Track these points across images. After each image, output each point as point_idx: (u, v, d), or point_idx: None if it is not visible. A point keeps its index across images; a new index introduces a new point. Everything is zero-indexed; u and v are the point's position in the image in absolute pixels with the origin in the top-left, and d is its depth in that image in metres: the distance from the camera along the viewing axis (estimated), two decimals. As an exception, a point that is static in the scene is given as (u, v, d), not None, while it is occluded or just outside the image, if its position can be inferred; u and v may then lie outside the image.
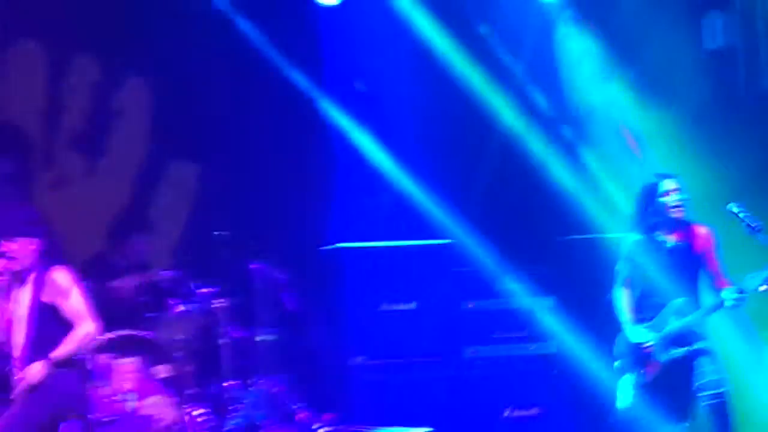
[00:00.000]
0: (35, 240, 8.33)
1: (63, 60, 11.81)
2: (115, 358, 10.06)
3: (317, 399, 10.84)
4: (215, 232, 10.99)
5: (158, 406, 10.06)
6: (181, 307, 10.64)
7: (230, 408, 10.46)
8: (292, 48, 11.86)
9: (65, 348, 7.88)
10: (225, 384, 10.54)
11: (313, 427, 10.44)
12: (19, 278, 8.37)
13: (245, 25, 11.78)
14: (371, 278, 11.34)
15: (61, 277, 8.36)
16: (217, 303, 10.60)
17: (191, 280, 10.72)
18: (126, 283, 11.03)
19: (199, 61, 11.66)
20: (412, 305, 11.30)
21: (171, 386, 10.17)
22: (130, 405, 9.97)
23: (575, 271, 11.28)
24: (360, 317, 11.26)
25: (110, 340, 10.04)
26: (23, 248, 8.32)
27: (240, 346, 10.68)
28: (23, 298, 8.31)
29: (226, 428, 10.34)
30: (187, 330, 10.64)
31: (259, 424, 10.41)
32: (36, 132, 11.83)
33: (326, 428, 10.40)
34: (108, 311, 10.20)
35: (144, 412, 10.01)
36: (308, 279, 11.21)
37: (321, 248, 11.58)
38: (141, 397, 10.04)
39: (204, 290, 10.62)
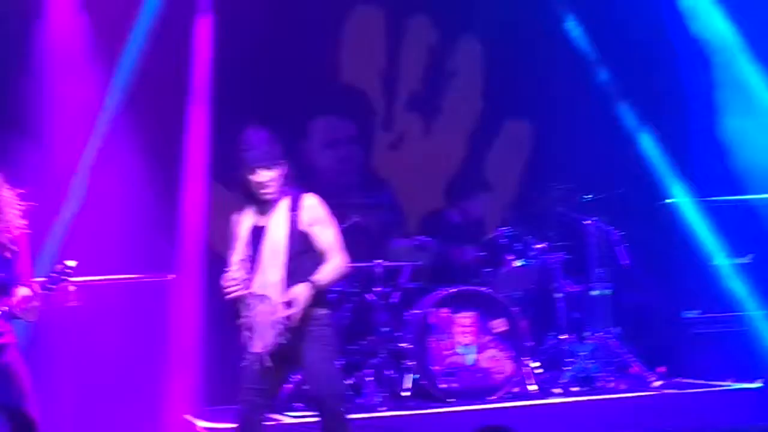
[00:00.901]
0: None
1: (400, 24, 12.00)
2: (454, 312, 10.25)
3: (650, 352, 10.81)
4: (550, 188, 11.09)
5: (496, 359, 10.25)
6: (517, 263, 10.71)
7: (565, 361, 10.56)
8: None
9: (325, 276, 7.52)
10: (560, 337, 10.69)
11: (649, 379, 10.35)
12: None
13: None
14: (704, 232, 11.19)
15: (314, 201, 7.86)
16: (552, 258, 10.70)
17: (526, 236, 10.75)
18: (463, 240, 11.08)
19: (527, 22, 11.79)
20: (747, 259, 11.16)
21: (508, 340, 10.26)
22: (470, 358, 10.21)
23: None
24: (693, 271, 11.15)
25: (450, 295, 10.27)
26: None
27: (574, 301, 10.80)
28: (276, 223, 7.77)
29: (562, 380, 10.36)
30: (523, 285, 10.78)
31: (594, 377, 10.42)
32: (376, 95, 12.07)
33: (660, 381, 10.32)
34: (448, 267, 10.92)
35: (482, 364, 10.21)
36: (640, 234, 11.05)
37: (654, 203, 11.48)
38: (479, 351, 10.23)
39: (539, 246, 10.70)
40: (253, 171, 7.49)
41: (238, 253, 7.48)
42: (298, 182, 9.98)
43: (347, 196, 11.43)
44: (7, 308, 7.25)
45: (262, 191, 7.48)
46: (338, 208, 10.88)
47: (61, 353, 9.15)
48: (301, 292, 7.20)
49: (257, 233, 7.48)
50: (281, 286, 7.27)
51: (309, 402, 7.84)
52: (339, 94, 11.97)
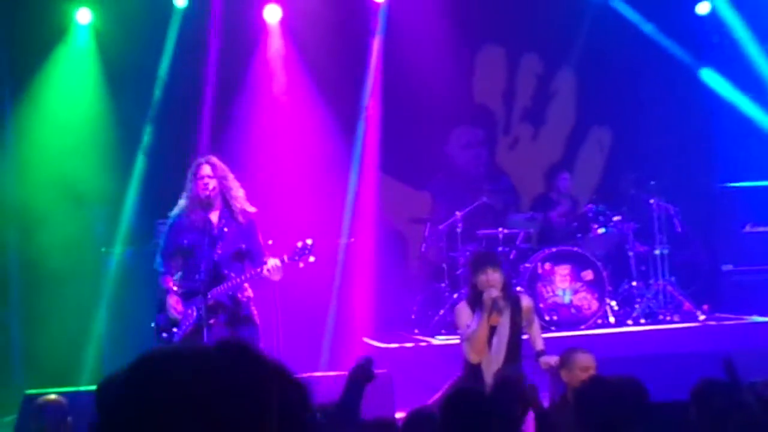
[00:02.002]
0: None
1: (516, 59, 12.01)
2: (555, 265, 10.23)
3: (697, 295, 10.73)
4: (625, 175, 11.07)
5: (586, 299, 10.19)
6: (601, 230, 10.58)
7: (636, 300, 10.52)
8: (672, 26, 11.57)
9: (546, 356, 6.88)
10: (632, 284, 10.64)
11: (696, 314, 10.28)
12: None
13: (634, 17, 11.51)
14: (738, 208, 11.10)
15: (528, 302, 7.26)
16: (626, 227, 10.60)
17: (607, 210, 10.62)
18: (560, 213, 11.04)
19: (608, 52, 11.64)
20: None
21: (594, 285, 10.18)
22: (566, 298, 10.21)
23: None
24: (729, 236, 11.07)
25: (552, 253, 10.26)
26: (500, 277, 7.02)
27: (642, 257, 10.72)
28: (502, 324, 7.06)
29: (634, 314, 10.32)
30: (605, 246, 10.72)
31: (656, 312, 10.38)
32: (498, 109, 12.06)
33: (704, 316, 10.27)
34: (550, 233, 10.95)
35: (575, 303, 10.19)
36: (691, 208, 10.94)
37: (710, 186, 11.43)
38: (573, 293, 10.21)
39: (616, 218, 10.58)
40: (483, 271, 6.88)
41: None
42: (444, 174, 10.01)
43: (478, 183, 11.61)
44: (258, 271, 7.33)
45: (494, 300, 6.78)
46: (472, 192, 11.19)
47: (282, 300, 9.34)
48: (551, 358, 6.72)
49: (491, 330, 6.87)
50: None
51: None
52: (472, 109, 11.99)
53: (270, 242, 7.59)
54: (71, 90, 10.61)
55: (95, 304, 9.91)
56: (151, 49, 10.65)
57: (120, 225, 10.44)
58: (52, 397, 6.06)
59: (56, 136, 10.42)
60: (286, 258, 7.29)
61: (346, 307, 10.41)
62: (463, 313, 6.96)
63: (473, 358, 6.83)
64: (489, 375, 6.72)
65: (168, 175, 9.30)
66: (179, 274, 7.54)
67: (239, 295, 7.49)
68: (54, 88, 10.55)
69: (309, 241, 7.32)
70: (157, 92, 10.62)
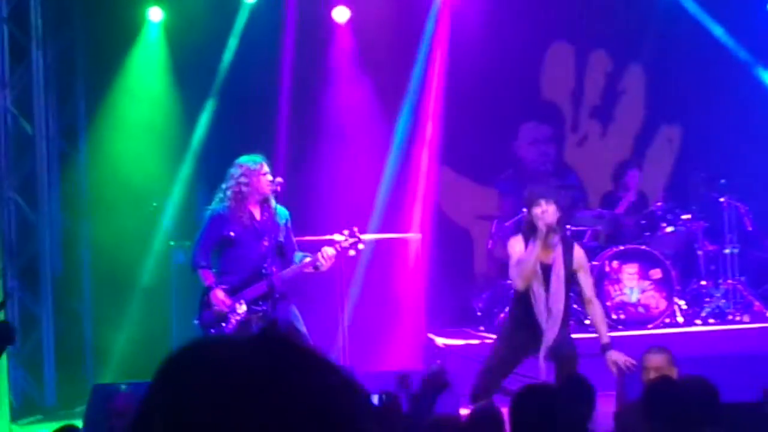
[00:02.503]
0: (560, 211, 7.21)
1: (585, 56, 11.89)
2: (623, 263, 10.15)
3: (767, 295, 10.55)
4: (695, 174, 10.90)
5: (653, 298, 10.10)
6: (669, 228, 10.41)
7: (704, 300, 10.41)
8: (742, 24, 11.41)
9: (606, 332, 7.24)
10: (701, 283, 10.51)
11: (767, 314, 10.12)
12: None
13: (699, 14, 11.35)
14: None
15: (581, 253, 7.39)
16: (695, 225, 10.46)
17: (676, 208, 10.50)
18: (628, 210, 10.80)
19: (678, 49, 11.51)
20: None
21: (662, 284, 10.08)
22: (634, 296, 10.12)
23: None
24: None
25: (620, 251, 10.18)
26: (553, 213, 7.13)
27: (711, 256, 10.59)
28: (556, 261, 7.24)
29: (702, 314, 10.24)
30: (674, 245, 10.56)
31: (725, 312, 10.27)
32: (567, 106, 11.97)
33: None
34: (618, 231, 10.74)
35: (643, 302, 10.10)
36: (762, 207, 10.74)
37: None
38: (641, 291, 10.12)
39: (686, 216, 10.44)
40: (537, 203, 7.03)
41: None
42: (511, 171, 10.01)
43: (546, 179, 11.53)
44: (312, 260, 7.49)
45: (548, 226, 6.95)
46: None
47: (342, 293, 9.40)
48: (618, 356, 6.89)
49: (544, 268, 7.02)
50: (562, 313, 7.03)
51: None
52: (541, 106, 11.94)
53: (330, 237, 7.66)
54: (143, 90, 10.76)
55: (164, 298, 10.02)
56: (220, 46, 10.76)
57: (188, 220, 10.54)
58: (123, 387, 6.13)
59: (128, 136, 10.59)
60: (338, 246, 7.41)
61: (411, 303, 10.37)
62: (517, 244, 7.15)
63: (520, 284, 7.03)
64: (549, 315, 6.95)
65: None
66: (214, 270, 7.59)
67: (280, 287, 7.59)
68: (127, 88, 10.71)
69: (356, 229, 7.45)
70: (221, 85, 10.69)
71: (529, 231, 7.11)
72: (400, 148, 11.17)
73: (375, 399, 4.73)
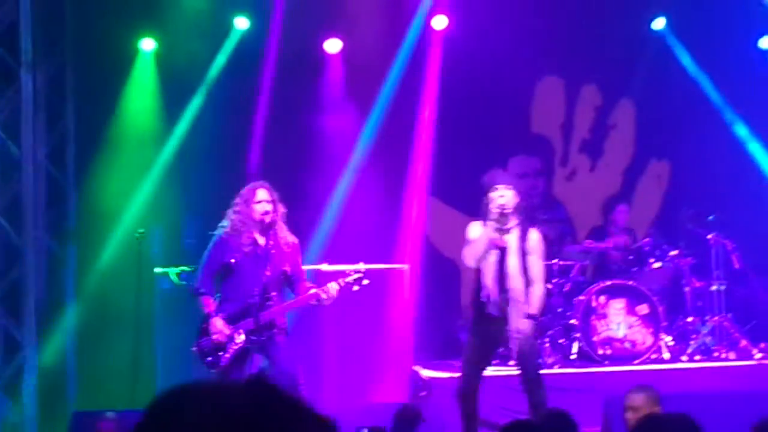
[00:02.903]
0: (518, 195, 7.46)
1: (575, 90, 11.88)
2: (610, 299, 10.12)
3: (754, 333, 10.49)
4: (683, 210, 10.77)
5: (640, 333, 10.06)
6: (657, 264, 10.38)
7: (691, 337, 10.32)
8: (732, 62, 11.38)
9: (537, 307, 7.31)
10: (687, 319, 10.43)
11: (752, 353, 10.03)
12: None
13: (680, 50, 11.39)
14: None
15: (537, 236, 7.46)
16: (683, 262, 10.40)
17: (664, 244, 10.45)
18: (616, 246, 10.77)
19: (668, 84, 11.49)
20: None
21: (649, 320, 10.04)
22: (621, 332, 10.07)
23: None
24: None
25: (607, 286, 10.15)
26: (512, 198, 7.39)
27: (698, 293, 10.52)
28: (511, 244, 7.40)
29: (689, 351, 10.15)
30: (661, 281, 10.53)
31: (712, 349, 10.17)
32: (557, 140, 11.94)
33: (761, 354, 10.00)
34: (605, 266, 10.75)
35: (630, 337, 10.04)
36: (750, 244, 10.62)
37: (761, 222, 10.95)
38: (628, 327, 10.05)
39: (673, 252, 10.39)
40: (494, 188, 7.31)
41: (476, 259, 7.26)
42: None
43: (534, 213, 11.52)
44: (316, 294, 7.39)
45: (500, 208, 7.21)
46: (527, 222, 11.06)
47: (328, 324, 9.29)
48: (527, 326, 7.15)
49: (501, 251, 7.24)
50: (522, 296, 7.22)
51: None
52: (530, 139, 11.91)
53: (325, 266, 7.60)
54: (133, 117, 10.72)
55: (149, 325, 9.93)
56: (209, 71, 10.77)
57: (173, 247, 10.47)
58: (109, 414, 6.07)
59: (116, 162, 10.54)
60: (342, 282, 7.35)
61: (398, 334, 10.31)
62: (474, 228, 7.37)
63: (469, 262, 7.31)
64: (507, 297, 7.16)
65: (221, 196, 9.37)
66: (218, 295, 7.53)
67: (280, 320, 7.50)
68: (117, 114, 10.66)
69: (362, 265, 7.42)
70: (206, 107, 10.67)
71: (486, 215, 7.34)
72: (389, 179, 11.12)
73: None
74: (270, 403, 1.58)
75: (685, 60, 11.50)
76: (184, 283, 9.39)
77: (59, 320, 10.25)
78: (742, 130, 11.55)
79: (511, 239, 7.32)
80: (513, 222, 7.33)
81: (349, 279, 7.44)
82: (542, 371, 7.52)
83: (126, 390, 9.70)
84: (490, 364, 7.53)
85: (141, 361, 9.84)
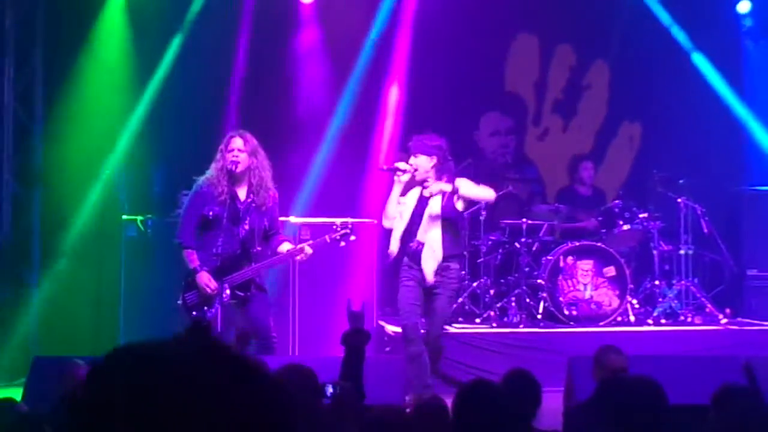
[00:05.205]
0: (434, 157, 7.85)
1: (550, 49, 11.83)
2: (578, 260, 10.12)
3: (720, 298, 10.53)
4: (653, 173, 10.74)
5: (607, 296, 10.06)
6: (626, 227, 10.33)
7: (658, 300, 10.33)
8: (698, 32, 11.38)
9: (469, 184, 7.79)
10: (654, 282, 10.43)
11: (718, 318, 10.01)
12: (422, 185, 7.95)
13: (658, 11, 11.33)
14: (766, 212, 10.76)
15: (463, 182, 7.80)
16: (652, 225, 10.38)
17: (633, 207, 10.43)
18: (586, 214, 10.71)
19: (643, 47, 11.42)
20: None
21: (616, 282, 10.03)
22: (587, 293, 10.07)
23: None
24: (756, 240, 10.76)
25: (575, 247, 10.12)
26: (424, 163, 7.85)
27: (666, 256, 10.53)
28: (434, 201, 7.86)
29: (654, 314, 10.14)
30: (629, 243, 10.55)
31: (678, 313, 10.19)
32: (530, 99, 11.91)
33: (726, 319, 10.02)
34: (573, 228, 10.72)
35: (596, 299, 10.04)
36: (719, 210, 10.76)
37: (731, 188, 11.13)
38: (594, 288, 10.06)
39: (642, 215, 10.37)
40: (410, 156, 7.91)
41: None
42: (470, 161, 10.02)
43: (505, 171, 11.52)
44: (298, 249, 7.35)
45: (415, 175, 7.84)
46: (498, 180, 11.06)
47: (294, 275, 9.24)
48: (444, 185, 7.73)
49: (421, 202, 7.85)
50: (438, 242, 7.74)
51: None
52: (503, 98, 11.86)
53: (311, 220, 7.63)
54: (102, 60, 10.55)
55: (114, 272, 9.82)
56: (181, 18, 10.61)
57: (142, 193, 10.36)
58: (79, 362, 5.98)
59: (85, 106, 10.39)
60: (328, 238, 7.39)
61: (363, 291, 10.26)
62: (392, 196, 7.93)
63: (383, 222, 8.03)
64: (420, 251, 7.80)
65: (194, 147, 9.28)
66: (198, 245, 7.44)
67: (261, 276, 7.51)
68: (86, 57, 10.48)
69: (349, 221, 7.53)
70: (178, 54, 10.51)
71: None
72: (361, 134, 11.03)
73: (329, 389, 4.60)
74: (216, 361, 1.54)
75: (662, 21, 11.42)
76: (149, 231, 9.29)
77: (24, 264, 10.13)
78: (717, 96, 11.51)
79: (432, 201, 7.88)
80: (432, 187, 7.88)
81: (336, 235, 7.43)
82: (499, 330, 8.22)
83: (89, 337, 9.63)
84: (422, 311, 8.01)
85: (104, 307, 9.74)
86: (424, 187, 7.89)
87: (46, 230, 10.27)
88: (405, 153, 10.59)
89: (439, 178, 7.84)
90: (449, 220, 7.84)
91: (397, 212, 7.85)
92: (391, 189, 7.77)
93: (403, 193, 7.99)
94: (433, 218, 7.79)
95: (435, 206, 7.81)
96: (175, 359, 1.52)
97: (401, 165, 7.88)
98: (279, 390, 1.53)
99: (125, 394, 1.50)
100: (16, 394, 6.79)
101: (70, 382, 5.78)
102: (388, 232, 10.64)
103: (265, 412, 1.51)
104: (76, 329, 9.70)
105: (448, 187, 7.75)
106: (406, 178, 7.84)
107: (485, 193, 7.92)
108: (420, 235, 7.80)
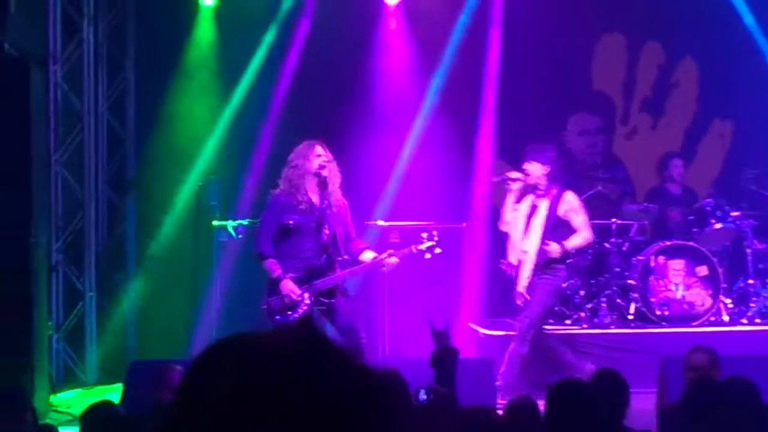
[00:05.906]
0: (547, 167, 8.43)
1: (637, 47, 11.67)
2: (669, 259, 10.02)
3: None
4: (746, 171, 10.65)
5: (699, 295, 9.93)
6: (718, 225, 10.17)
7: (752, 299, 10.17)
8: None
9: (573, 242, 8.33)
10: (748, 282, 10.27)
11: None
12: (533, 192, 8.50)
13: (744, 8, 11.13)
14: None
15: (571, 197, 8.50)
16: (744, 223, 10.22)
17: (726, 205, 10.29)
18: (676, 209, 10.65)
19: (733, 43, 11.29)
20: None
21: (708, 282, 9.90)
22: (679, 293, 9.97)
23: None
24: None
25: (666, 246, 10.04)
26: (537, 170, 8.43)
27: (760, 255, 10.34)
28: (541, 209, 8.45)
29: (749, 313, 9.99)
30: (722, 242, 10.38)
31: None
32: (618, 98, 11.76)
33: None
34: (665, 226, 10.59)
35: (688, 299, 9.93)
36: None
37: None
38: (686, 288, 9.95)
39: (735, 213, 10.23)
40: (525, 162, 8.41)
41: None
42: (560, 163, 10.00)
43: (594, 171, 11.41)
44: (381, 259, 7.48)
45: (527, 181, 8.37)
46: (587, 180, 11.00)
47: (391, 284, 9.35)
48: (555, 248, 8.19)
49: (532, 210, 8.36)
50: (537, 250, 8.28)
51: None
52: (591, 97, 11.77)
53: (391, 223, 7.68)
54: (193, 69, 10.72)
55: (207, 276, 9.98)
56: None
57: (231, 201, 10.51)
58: (176, 367, 6.09)
59: (177, 113, 10.61)
60: (414, 248, 7.42)
61: (455, 292, 10.29)
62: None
63: (501, 227, 8.69)
64: (520, 251, 8.45)
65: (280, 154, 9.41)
66: (279, 254, 7.53)
67: (344, 283, 7.65)
68: (177, 66, 10.66)
69: (435, 233, 7.53)
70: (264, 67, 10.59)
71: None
72: (452, 138, 11.01)
73: (422, 394, 4.65)
74: (321, 356, 1.54)
75: (748, 19, 11.25)
76: (240, 237, 9.42)
77: (120, 270, 10.35)
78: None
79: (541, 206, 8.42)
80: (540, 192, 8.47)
81: (422, 246, 7.47)
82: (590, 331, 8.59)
83: (184, 340, 9.80)
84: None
85: (199, 311, 9.90)
86: (536, 195, 8.39)
87: (140, 237, 10.47)
88: (501, 161, 10.70)
89: (550, 187, 8.38)
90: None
91: (512, 218, 8.44)
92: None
93: (518, 201, 8.47)
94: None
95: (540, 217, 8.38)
96: (279, 349, 1.53)
97: (511, 174, 8.35)
98: (381, 384, 1.53)
99: (228, 382, 1.51)
100: (114, 397, 6.95)
101: (166, 386, 5.89)
102: (482, 234, 10.73)
103: (368, 404, 1.51)
104: (171, 333, 9.87)
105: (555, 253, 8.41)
106: (517, 186, 8.32)
107: (586, 241, 8.63)
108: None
